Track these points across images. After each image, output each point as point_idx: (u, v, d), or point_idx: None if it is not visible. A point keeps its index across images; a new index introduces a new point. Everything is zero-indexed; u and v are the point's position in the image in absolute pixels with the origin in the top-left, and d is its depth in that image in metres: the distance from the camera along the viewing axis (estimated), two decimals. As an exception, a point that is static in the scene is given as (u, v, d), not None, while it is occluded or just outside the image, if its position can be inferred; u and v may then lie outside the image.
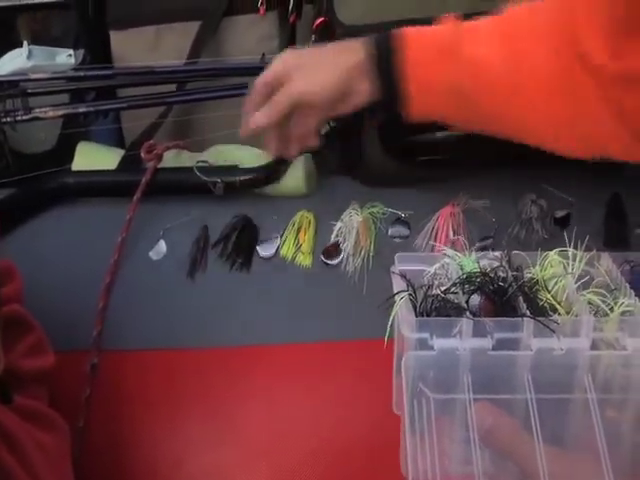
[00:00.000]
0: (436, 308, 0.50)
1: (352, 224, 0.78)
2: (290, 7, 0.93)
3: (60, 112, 0.86)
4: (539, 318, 0.47)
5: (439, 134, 0.85)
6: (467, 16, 0.82)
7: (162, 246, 0.80)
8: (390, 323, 0.52)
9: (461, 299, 0.50)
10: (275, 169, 0.84)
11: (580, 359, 0.47)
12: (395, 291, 0.51)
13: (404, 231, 0.78)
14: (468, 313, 0.48)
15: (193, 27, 0.93)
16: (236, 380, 0.72)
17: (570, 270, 0.51)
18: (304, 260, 0.77)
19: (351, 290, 0.75)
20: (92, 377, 0.70)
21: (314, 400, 0.70)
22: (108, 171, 0.85)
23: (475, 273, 0.51)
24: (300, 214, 0.81)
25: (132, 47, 0.96)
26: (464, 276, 0.51)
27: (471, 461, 0.45)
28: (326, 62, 0.69)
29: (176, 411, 0.71)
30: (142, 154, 0.84)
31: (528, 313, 0.48)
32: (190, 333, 0.74)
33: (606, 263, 0.53)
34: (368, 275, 0.75)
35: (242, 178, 0.83)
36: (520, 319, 0.47)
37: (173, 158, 0.87)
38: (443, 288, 0.51)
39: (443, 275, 0.53)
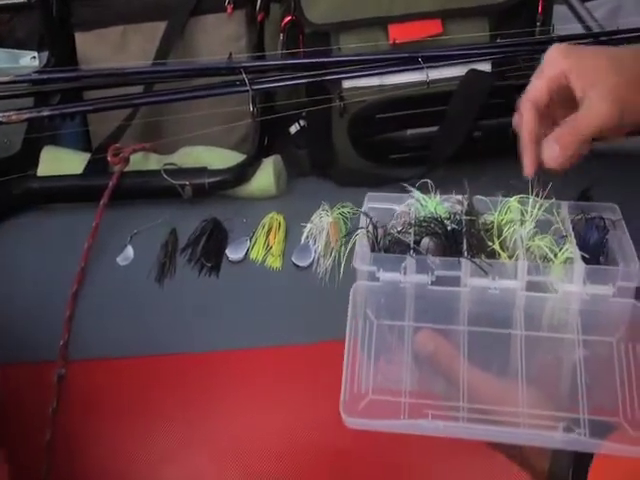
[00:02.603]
0: (391, 246, 0.55)
1: (322, 225, 0.78)
2: (258, 6, 0.92)
3: (24, 116, 0.84)
4: (475, 260, 0.51)
5: (409, 132, 0.85)
6: (436, 14, 0.83)
7: (129, 252, 0.78)
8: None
9: (411, 239, 0.54)
10: (244, 171, 0.83)
11: (513, 299, 0.51)
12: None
13: (375, 231, 0.78)
14: (412, 252, 0.52)
15: (160, 27, 0.92)
16: (207, 385, 0.71)
17: (529, 217, 0.54)
18: (274, 262, 0.77)
19: (322, 292, 0.74)
20: (59, 388, 0.69)
21: (286, 404, 0.69)
22: (74, 176, 0.84)
23: (428, 218, 0.55)
24: (270, 216, 0.80)
25: (98, 48, 0.94)
26: (417, 220, 0.56)
27: (401, 380, 0.50)
28: (629, 72, 0.55)
29: (146, 419, 0.70)
30: (108, 158, 0.83)
31: (466, 254, 0.52)
32: (159, 340, 0.73)
33: (563, 212, 0.56)
34: (339, 276, 0.74)
35: (211, 180, 0.82)
36: (458, 259, 0.52)
37: (141, 161, 0.86)
38: (399, 228, 0.56)
39: (406, 214, 0.57)
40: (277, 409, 0.69)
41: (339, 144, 0.86)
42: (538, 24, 0.84)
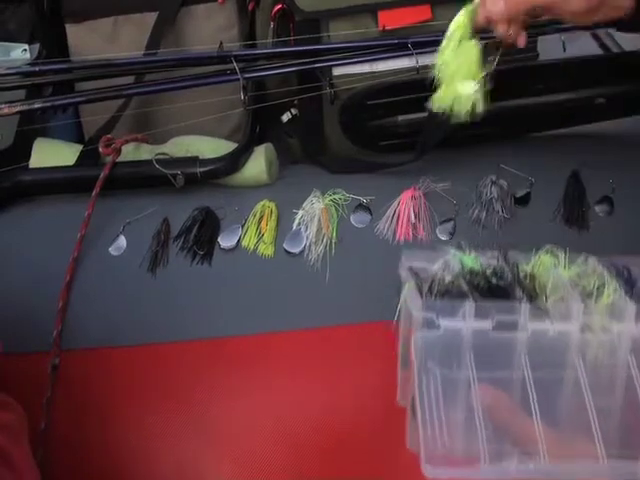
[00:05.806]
0: (441, 296, 0.53)
1: (314, 212, 0.78)
2: (248, -6, 0.92)
3: (16, 109, 0.84)
4: (534, 303, 0.51)
5: (400, 118, 0.85)
6: (425, 0, 0.83)
7: (122, 241, 0.78)
8: (397, 311, 0.55)
9: (465, 288, 0.53)
10: (236, 159, 0.83)
11: (571, 341, 0.51)
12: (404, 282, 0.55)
13: (366, 217, 0.78)
14: (471, 297, 0.51)
15: (150, 18, 0.92)
16: (201, 373, 0.71)
17: (563, 264, 0.54)
18: (266, 250, 0.77)
19: (314, 278, 0.74)
20: (53, 378, 0.69)
21: (278, 391, 0.69)
22: (66, 167, 0.84)
23: (473, 271, 0.54)
24: (262, 204, 0.80)
25: (89, 40, 0.94)
26: (467, 272, 0.54)
27: (473, 438, 0.48)
28: None
29: (141, 408, 0.70)
30: (100, 148, 0.83)
31: (524, 299, 0.51)
32: (152, 328, 0.73)
33: (592, 264, 0.56)
34: (330, 262, 0.75)
35: (203, 169, 0.82)
36: (517, 303, 0.51)
37: (133, 152, 0.86)
38: (448, 279, 0.54)
39: (446, 271, 0.55)
40: (272, 395, 0.70)
41: (330, 131, 0.86)
42: (528, 8, 0.84)
